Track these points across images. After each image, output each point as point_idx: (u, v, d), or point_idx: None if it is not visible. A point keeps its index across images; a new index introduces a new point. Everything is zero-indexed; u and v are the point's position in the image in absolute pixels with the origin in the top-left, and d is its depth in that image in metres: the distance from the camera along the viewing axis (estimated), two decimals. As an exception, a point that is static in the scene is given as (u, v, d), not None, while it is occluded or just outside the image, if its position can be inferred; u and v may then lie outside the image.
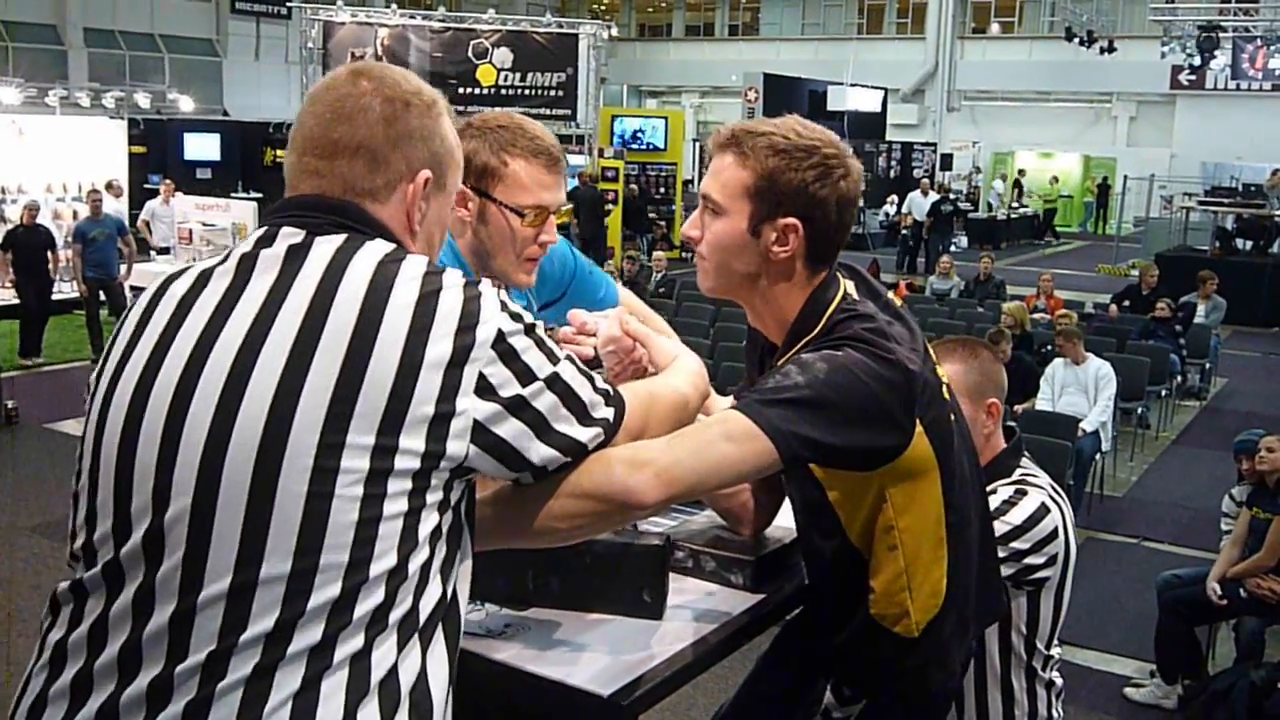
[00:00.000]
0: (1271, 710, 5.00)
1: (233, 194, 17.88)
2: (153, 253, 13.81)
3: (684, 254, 19.40)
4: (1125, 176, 23.08)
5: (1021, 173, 28.56)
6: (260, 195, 18.63)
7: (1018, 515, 2.39)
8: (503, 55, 18.10)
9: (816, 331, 1.71)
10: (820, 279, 1.75)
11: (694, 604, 1.76)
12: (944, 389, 1.80)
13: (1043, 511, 2.42)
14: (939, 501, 1.73)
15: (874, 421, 1.61)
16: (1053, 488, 2.54)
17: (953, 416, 1.79)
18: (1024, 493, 2.45)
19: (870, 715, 1.95)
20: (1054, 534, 2.42)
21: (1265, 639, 5.50)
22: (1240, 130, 27.34)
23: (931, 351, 1.80)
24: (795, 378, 1.58)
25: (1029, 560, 2.39)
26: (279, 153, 20.18)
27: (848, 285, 1.78)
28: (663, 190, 21.19)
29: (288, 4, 22.40)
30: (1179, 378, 10.57)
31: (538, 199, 1.97)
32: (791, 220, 1.67)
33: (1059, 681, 2.52)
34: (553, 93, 18.30)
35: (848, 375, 1.58)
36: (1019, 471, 2.53)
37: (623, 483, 1.40)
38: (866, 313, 1.70)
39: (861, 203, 16.40)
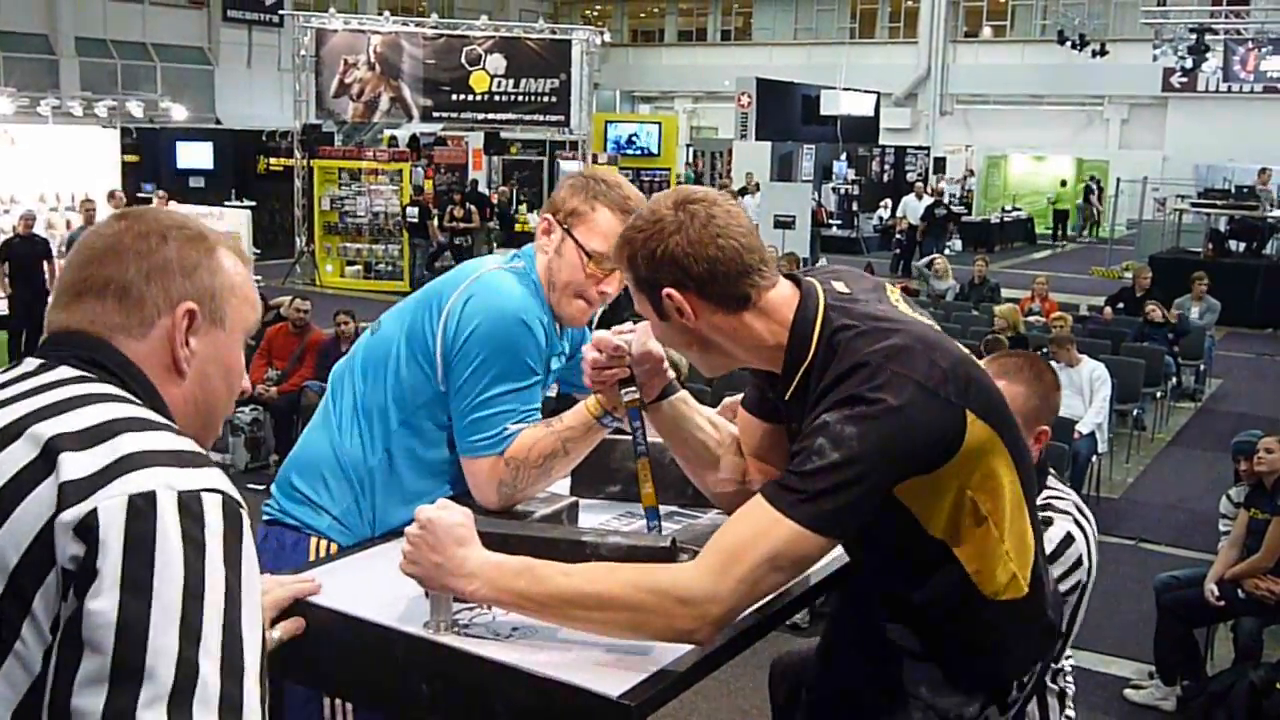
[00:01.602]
0: (1270, 710, 5.00)
1: (226, 202, 17.85)
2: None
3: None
4: (1118, 179, 23.13)
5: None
6: (254, 204, 18.62)
7: (1044, 544, 2.39)
8: (496, 62, 18.09)
9: (813, 354, 1.71)
10: (780, 303, 1.75)
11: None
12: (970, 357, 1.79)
13: (1068, 541, 2.44)
14: (1011, 467, 1.73)
15: (922, 447, 1.62)
16: (1078, 508, 2.54)
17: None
18: (1050, 521, 2.44)
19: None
20: (1078, 562, 2.44)
21: (1263, 639, 5.50)
22: (1232, 132, 27.38)
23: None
24: (830, 455, 1.57)
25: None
26: (273, 161, 20.19)
27: (831, 287, 1.77)
28: (657, 196, 21.20)
29: (280, 12, 22.44)
30: (1174, 379, 10.59)
31: (609, 250, 2.05)
32: (665, 291, 1.72)
33: (1070, 689, 2.52)
34: (546, 99, 18.29)
35: (880, 426, 1.58)
36: (1046, 493, 2.52)
37: (684, 631, 1.58)
38: (860, 320, 1.69)
39: (855, 206, 16.35)
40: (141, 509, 1.11)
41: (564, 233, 2.14)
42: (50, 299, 1.38)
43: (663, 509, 2.01)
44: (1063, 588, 2.37)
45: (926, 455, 1.63)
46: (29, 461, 1.15)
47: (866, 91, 28.90)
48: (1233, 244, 17.15)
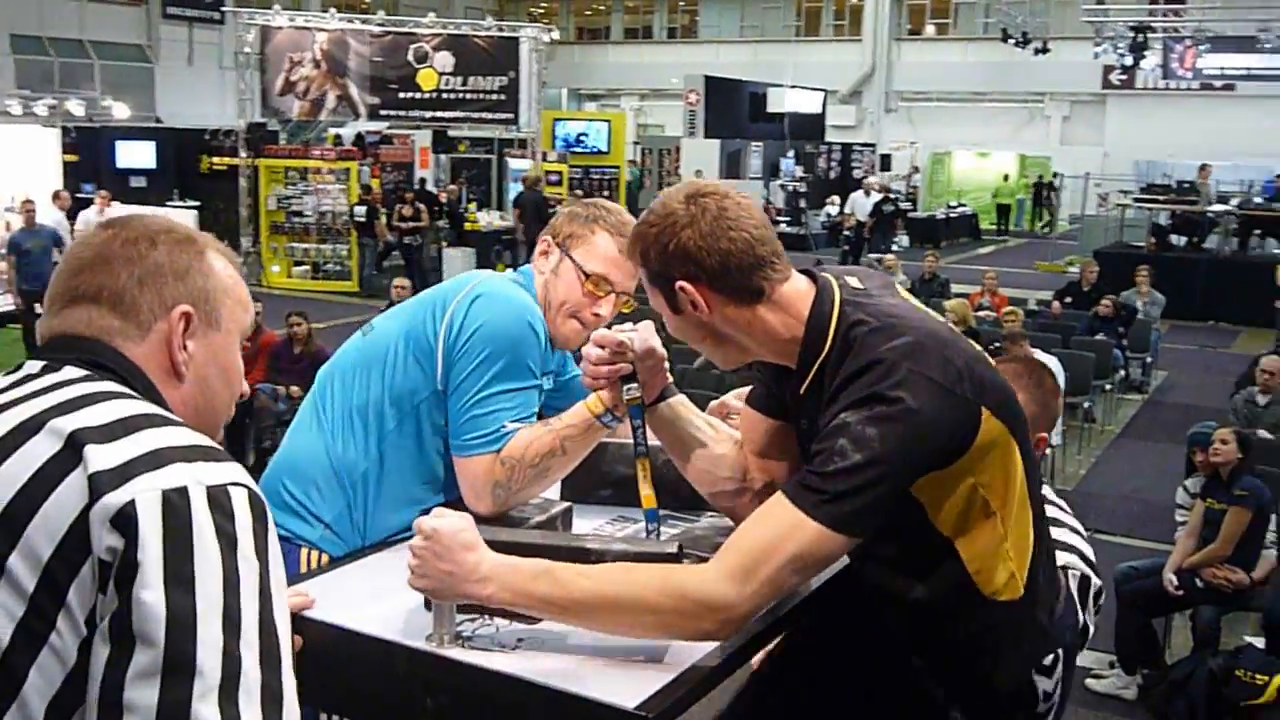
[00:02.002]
0: (1230, 697, 5.07)
1: (169, 202, 17.59)
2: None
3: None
4: (1061, 175, 23.43)
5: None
6: (198, 204, 18.34)
7: (1070, 586, 2.38)
8: (444, 59, 17.94)
9: (829, 348, 1.71)
10: (795, 296, 1.76)
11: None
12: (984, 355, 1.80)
13: (1085, 583, 2.42)
14: (1020, 465, 1.74)
15: (941, 444, 1.63)
16: (1074, 530, 2.53)
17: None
18: (1065, 567, 2.43)
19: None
20: (1097, 594, 2.43)
21: (1221, 627, 5.59)
22: (1170, 129, 27.85)
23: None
24: (853, 456, 1.57)
25: None
26: (216, 160, 19.90)
27: (845, 282, 1.78)
28: (606, 193, 21.18)
29: (222, 9, 22.12)
30: (1122, 372, 10.75)
31: (606, 271, 2.17)
32: (678, 284, 1.73)
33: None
34: (494, 96, 18.17)
35: (901, 426, 1.58)
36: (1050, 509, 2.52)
37: (709, 633, 1.59)
38: (875, 315, 1.70)
39: (803, 203, 16.45)
40: (175, 503, 1.12)
41: (562, 254, 2.19)
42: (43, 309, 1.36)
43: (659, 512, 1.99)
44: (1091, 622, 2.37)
45: (944, 452, 1.64)
46: (54, 454, 1.15)
47: (813, 89, 29.05)
48: (1174, 238, 17.43)
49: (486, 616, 1.66)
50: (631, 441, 2.13)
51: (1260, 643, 5.62)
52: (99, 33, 26.25)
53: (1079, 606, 2.35)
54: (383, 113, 18.42)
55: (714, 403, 2.23)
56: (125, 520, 1.10)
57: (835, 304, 1.74)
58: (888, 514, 1.63)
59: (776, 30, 35.44)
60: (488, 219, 18.75)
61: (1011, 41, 22.81)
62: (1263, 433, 7.26)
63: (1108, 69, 26.36)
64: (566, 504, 2.09)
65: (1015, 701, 1.85)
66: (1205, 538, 5.62)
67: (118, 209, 13.69)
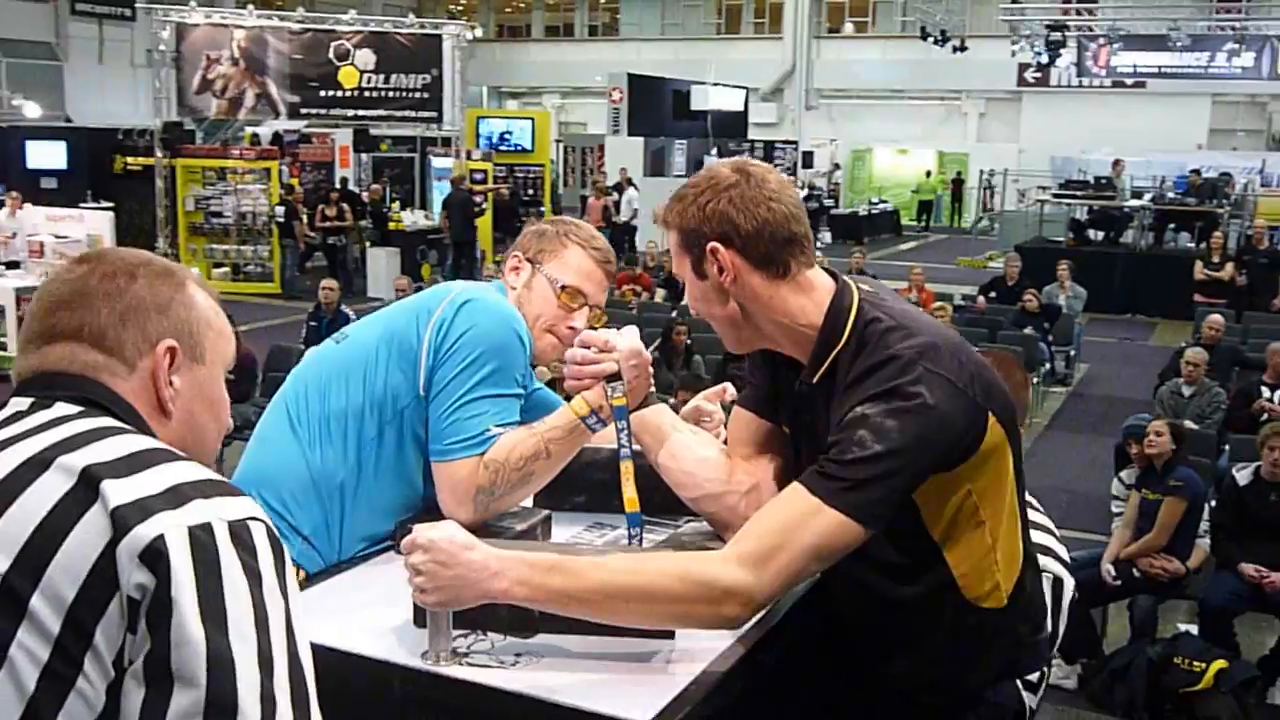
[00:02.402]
0: (1168, 684, 5.17)
1: (82, 204, 17.11)
2: (1, 267, 13.11)
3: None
4: (980, 171, 23.80)
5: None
6: (112, 205, 17.88)
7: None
8: (365, 57, 17.67)
9: (845, 339, 1.74)
10: (818, 285, 1.78)
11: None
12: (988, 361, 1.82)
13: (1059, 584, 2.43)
14: (1011, 473, 1.77)
15: (952, 444, 1.65)
16: (1047, 529, 2.54)
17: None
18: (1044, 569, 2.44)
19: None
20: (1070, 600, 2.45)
21: (1158, 616, 5.70)
22: (1083, 125, 28.41)
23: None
24: (873, 446, 1.60)
25: None
26: (130, 160, 19.44)
27: (861, 286, 1.81)
28: (531, 191, 21.08)
29: (134, 5, 21.58)
30: (1047, 365, 10.94)
31: (579, 283, 2.18)
32: (710, 245, 1.75)
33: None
34: (418, 95, 17.94)
35: (919, 421, 1.61)
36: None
37: (728, 619, 1.59)
38: (890, 315, 1.73)
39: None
40: (202, 540, 1.08)
41: (534, 268, 2.19)
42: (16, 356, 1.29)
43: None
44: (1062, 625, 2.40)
45: (955, 451, 1.66)
46: (68, 490, 1.10)
47: (735, 87, 29.15)
48: (1092, 233, 17.78)
49: (480, 631, 1.61)
50: (605, 446, 2.10)
51: (1195, 629, 5.75)
52: (5, 30, 25.42)
53: (1050, 612, 2.37)
54: (304, 111, 18.11)
55: (686, 407, 2.21)
56: (155, 556, 1.06)
57: (854, 299, 1.77)
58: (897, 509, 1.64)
59: (698, 28, 35.53)
60: (412, 219, 18.54)
61: (930, 40, 23.11)
62: (1188, 423, 7.42)
63: (1023, 67, 26.79)
64: (546, 512, 2.05)
65: (1001, 714, 1.86)
66: (1141, 528, 5.72)
67: (30, 211, 13.30)
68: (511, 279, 2.22)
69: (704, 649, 1.62)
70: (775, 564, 1.58)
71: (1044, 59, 21.53)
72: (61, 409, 1.20)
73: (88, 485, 1.10)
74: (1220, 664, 5.07)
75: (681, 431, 1.99)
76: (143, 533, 1.07)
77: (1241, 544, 5.53)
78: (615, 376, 1.93)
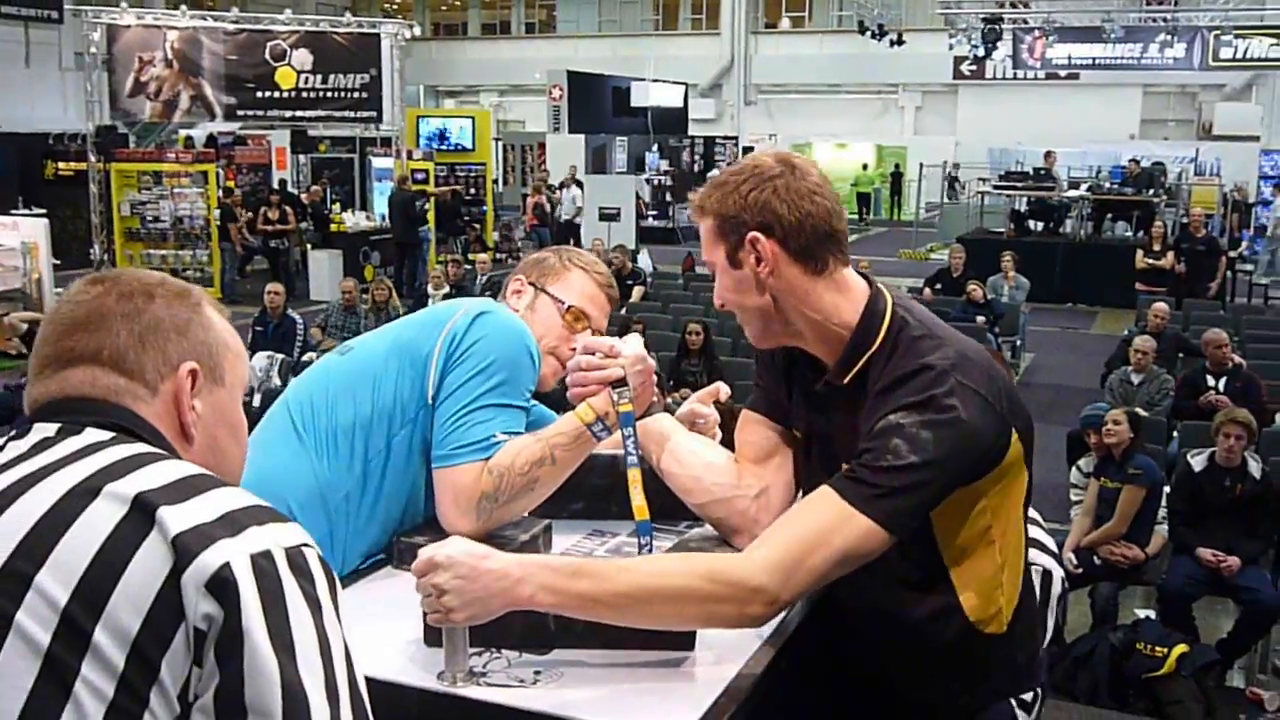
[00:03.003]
0: (1131, 670, 5.23)
1: (13, 211, 16.72)
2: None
3: (498, 255, 19.20)
4: (921, 164, 24.01)
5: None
6: (43, 211, 17.48)
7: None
8: (302, 57, 17.40)
9: (879, 343, 1.72)
10: (854, 285, 1.77)
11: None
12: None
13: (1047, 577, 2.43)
14: (1023, 492, 1.76)
15: (979, 458, 1.64)
16: (1033, 520, 2.53)
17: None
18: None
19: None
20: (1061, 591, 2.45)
21: (1119, 603, 5.77)
22: (1019, 117, 28.80)
23: None
24: (908, 456, 1.59)
25: None
26: (62, 165, 19.03)
27: (891, 292, 1.81)
28: (474, 191, 20.92)
29: (61, 7, 21.11)
30: (995, 356, 11.04)
31: (583, 305, 2.19)
32: (750, 235, 1.71)
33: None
34: (356, 94, 17.70)
35: (953, 434, 1.60)
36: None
37: (755, 619, 1.58)
38: (922, 324, 1.73)
39: (669, 197, 16.54)
40: (265, 568, 1.05)
41: (537, 290, 2.20)
42: (28, 383, 1.23)
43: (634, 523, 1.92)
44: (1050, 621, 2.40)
45: (981, 465, 1.66)
46: (122, 518, 1.05)
47: (674, 83, 29.17)
48: (1032, 223, 18.01)
49: (494, 649, 1.57)
50: (602, 451, 2.07)
51: (1148, 614, 5.82)
52: (-74, 33, 24.81)
53: (1040, 605, 2.36)
54: (240, 113, 17.81)
55: (681, 410, 2.17)
56: (222, 585, 1.03)
57: (889, 304, 1.75)
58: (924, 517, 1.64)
59: (635, 24, 35.50)
60: (354, 220, 18.32)
61: (867, 34, 23.24)
62: (1139, 410, 7.52)
63: (959, 59, 27.06)
64: (546, 521, 2.01)
65: None
66: (1100, 516, 5.79)
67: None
68: (514, 301, 2.21)
69: (727, 657, 1.59)
70: (802, 570, 1.57)
71: (980, 52, 21.74)
72: (93, 435, 1.15)
73: (143, 512, 1.06)
74: (1181, 648, 5.14)
75: (689, 436, 1.97)
76: (208, 560, 1.03)
77: (1198, 529, 5.62)
78: (621, 383, 1.90)
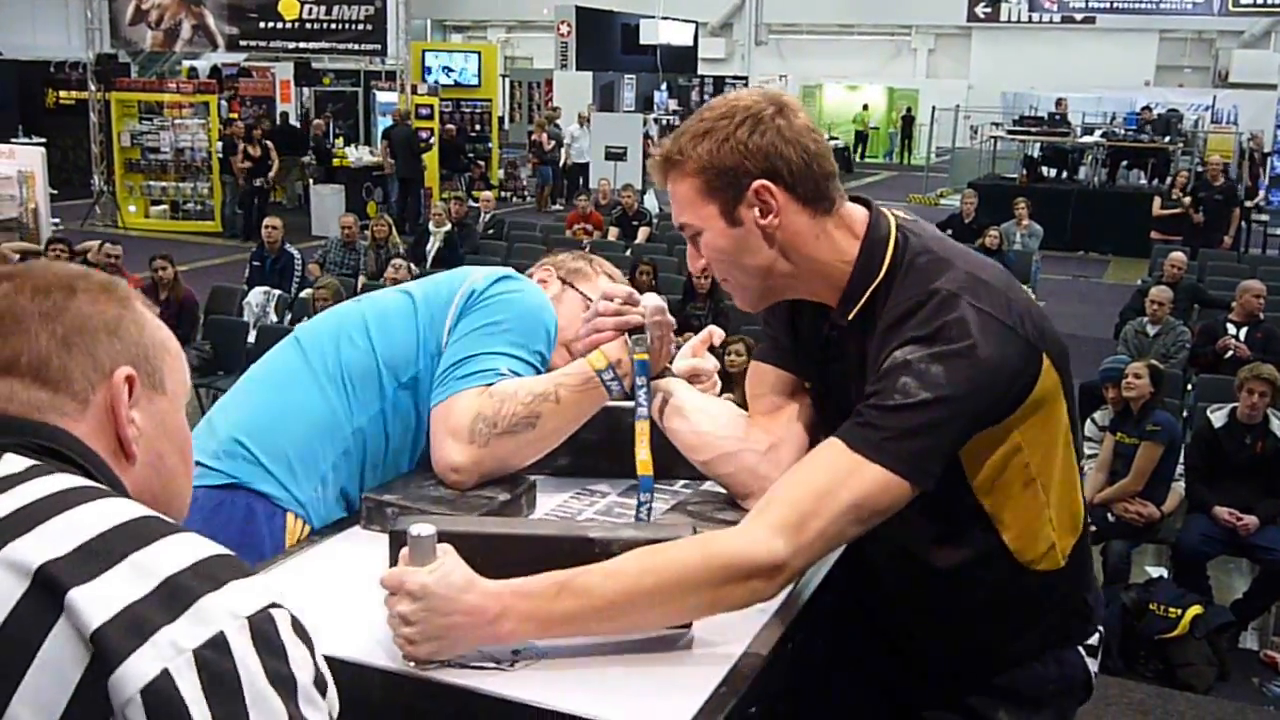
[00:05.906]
0: (1143, 631, 5.10)
1: (14, 139, 16.49)
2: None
3: (503, 194, 18.92)
4: (934, 108, 23.65)
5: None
6: (44, 140, 17.25)
7: None
8: (305, -14, 17.09)
9: (884, 272, 1.54)
10: (855, 216, 1.59)
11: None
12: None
13: None
14: (1065, 423, 1.58)
15: (1005, 389, 1.47)
16: None
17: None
18: None
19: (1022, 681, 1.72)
20: None
21: (1131, 561, 5.63)
22: (1033, 61, 28.36)
23: None
24: (918, 394, 1.42)
25: None
26: (63, 94, 18.76)
27: (895, 213, 1.63)
28: (479, 128, 20.61)
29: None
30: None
31: None
32: (757, 184, 1.52)
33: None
34: (360, 26, 17.34)
35: (968, 365, 1.43)
36: None
37: (765, 597, 1.42)
38: (928, 245, 1.55)
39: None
40: (214, 662, 0.84)
41: (564, 284, 2.17)
42: None
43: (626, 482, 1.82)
44: None
45: (1005, 399, 1.48)
46: (20, 597, 0.84)
47: (684, 21, 28.68)
48: (1045, 169, 17.72)
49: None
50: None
51: (1160, 572, 5.68)
52: (-75, -43, 24.41)
53: None
54: (242, 43, 17.51)
55: (679, 365, 1.99)
56: (162, 702, 0.82)
57: (891, 226, 1.58)
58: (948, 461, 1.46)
59: (645, -40, 34.91)
60: (357, 155, 18.05)
61: (882, -27, 22.81)
62: (1153, 362, 7.34)
63: (973, 2, 26.62)
64: (530, 479, 1.84)
65: (1066, 684, 1.69)
66: (1116, 471, 5.63)
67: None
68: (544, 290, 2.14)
69: (729, 635, 1.42)
70: (810, 530, 1.40)
71: (998, -7, 21.29)
72: (10, 463, 0.95)
73: (48, 593, 0.84)
74: (1196, 610, 5.01)
75: (688, 391, 1.82)
76: (139, 669, 0.82)
77: (1215, 487, 5.46)
78: (638, 330, 1.78)
